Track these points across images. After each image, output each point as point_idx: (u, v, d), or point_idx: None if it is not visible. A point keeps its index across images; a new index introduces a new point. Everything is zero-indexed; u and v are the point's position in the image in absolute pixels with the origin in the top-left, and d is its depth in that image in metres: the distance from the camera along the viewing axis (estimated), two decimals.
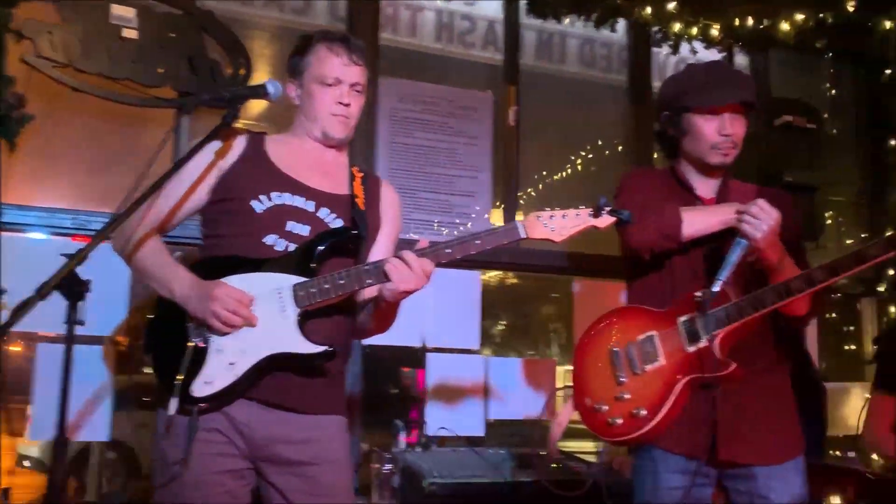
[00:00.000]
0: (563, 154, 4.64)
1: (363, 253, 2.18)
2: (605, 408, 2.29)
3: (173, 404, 1.94)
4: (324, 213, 2.14)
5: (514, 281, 5.31)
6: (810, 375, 3.65)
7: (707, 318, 2.24)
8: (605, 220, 2.01)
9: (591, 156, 4.64)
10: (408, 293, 2.01)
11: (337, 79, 2.17)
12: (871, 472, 3.41)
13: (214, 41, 3.58)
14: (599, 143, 4.64)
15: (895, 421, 3.22)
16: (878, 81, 4.87)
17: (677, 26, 4.43)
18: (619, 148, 4.62)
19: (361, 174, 2.29)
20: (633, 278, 2.52)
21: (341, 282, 2.00)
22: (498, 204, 4.18)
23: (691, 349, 2.25)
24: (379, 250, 2.24)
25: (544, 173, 4.57)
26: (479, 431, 3.83)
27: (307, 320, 2.03)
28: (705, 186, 2.46)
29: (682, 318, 2.28)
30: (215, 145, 2.13)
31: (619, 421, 2.27)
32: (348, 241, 2.13)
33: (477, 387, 3.87)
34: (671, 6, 4.39)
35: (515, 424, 4.03)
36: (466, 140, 4.10)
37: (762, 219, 2.14)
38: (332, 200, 2.17)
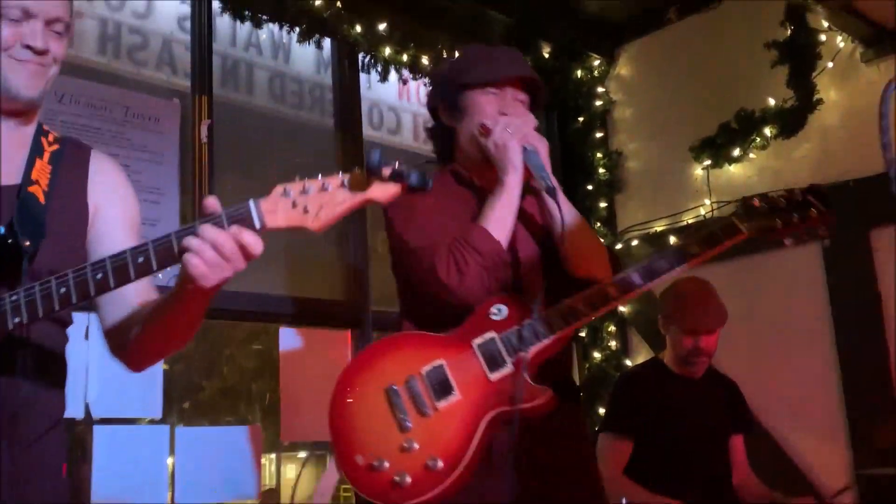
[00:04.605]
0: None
1: (37, 265, 1.46)
2: (387, 464, 1.79)
3: None
4: None
5: (207, 329, 4.48)
6: None
7: (509, 337, 1.86)
8: (387, 189, 1.32)
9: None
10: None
11: (25, 11, 1.51)
12: None
13: None
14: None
15: (628, 464, 3.10)
16: (571, 128, 4.96)
17: (387, 51, 4.09)
18: None
19: (56, 145, 1.60)
20: (407, 294, 2.06)
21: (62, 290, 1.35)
22: None
23: (494, 377, 1.85)
24: (110, 243, 1.60)
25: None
26: None
27: None
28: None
29: (478, 341, 1.87)
30: None
31: (408, 478, 1.77)
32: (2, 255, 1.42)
33: (160, 466, 3.07)
34: (381, 28, 4.06)
35: None
36: (149, 156, 3.31)
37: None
38: None
